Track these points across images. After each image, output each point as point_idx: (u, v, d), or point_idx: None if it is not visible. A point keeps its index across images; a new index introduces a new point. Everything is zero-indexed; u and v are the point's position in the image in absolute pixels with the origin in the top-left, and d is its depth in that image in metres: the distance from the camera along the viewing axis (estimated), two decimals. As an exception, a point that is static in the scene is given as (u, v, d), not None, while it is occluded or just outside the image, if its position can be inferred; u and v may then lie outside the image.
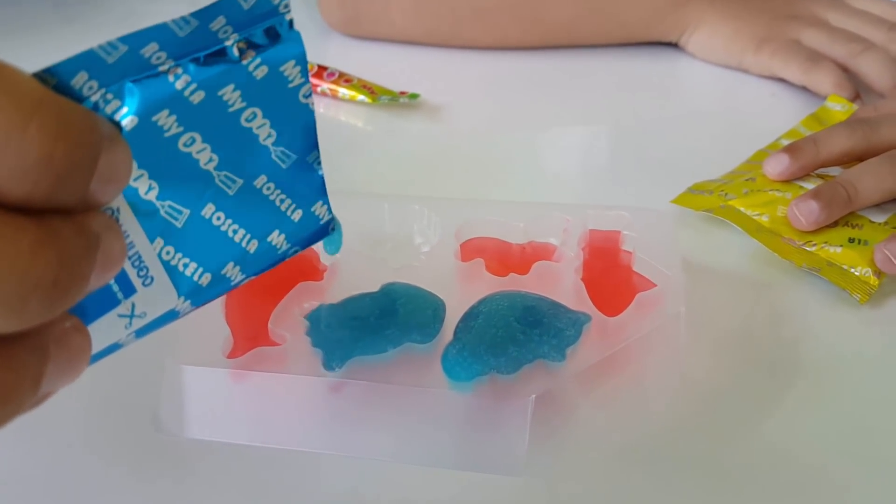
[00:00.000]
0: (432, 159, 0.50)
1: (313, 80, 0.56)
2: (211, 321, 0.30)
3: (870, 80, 0.53)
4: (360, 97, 0.55)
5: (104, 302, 0.19)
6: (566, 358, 0.28)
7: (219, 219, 0.21)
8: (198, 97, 0.19)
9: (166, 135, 0.19)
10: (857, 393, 0.32)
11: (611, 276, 0.34)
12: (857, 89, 0.53)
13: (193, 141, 0.19)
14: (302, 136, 0.22)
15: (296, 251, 0.23)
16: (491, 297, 0.30)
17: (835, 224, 0.39)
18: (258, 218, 0.22)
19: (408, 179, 0.48)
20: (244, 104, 0.20)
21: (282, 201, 0.22)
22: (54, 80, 0.17)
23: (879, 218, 0.39)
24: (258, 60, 0.20)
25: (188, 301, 0.21)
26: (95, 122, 0.16)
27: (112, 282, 0.19)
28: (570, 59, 0.61)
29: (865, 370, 0.33)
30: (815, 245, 0.38)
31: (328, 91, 0.56)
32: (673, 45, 0.62)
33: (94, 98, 0.17)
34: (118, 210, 0.19)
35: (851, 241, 0.38)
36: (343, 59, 0.59)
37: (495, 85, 0.59)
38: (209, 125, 0.19)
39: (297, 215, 0.23)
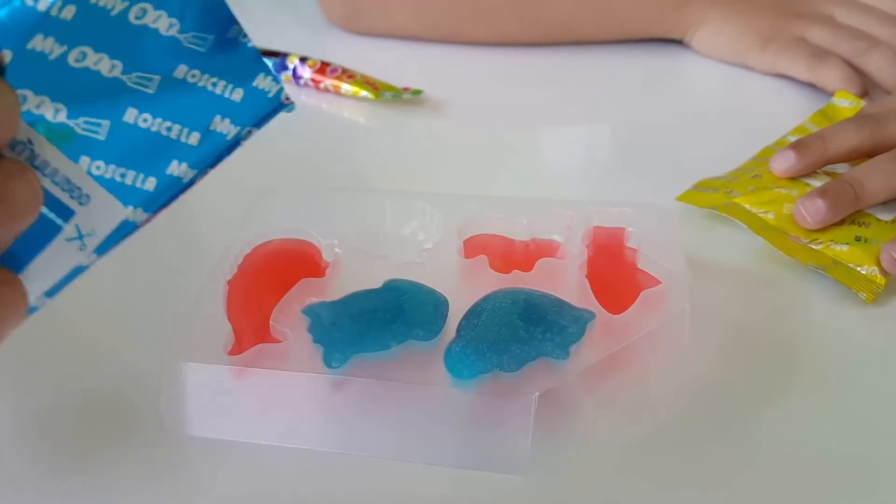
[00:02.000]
0: (435, 156, 0.50)
1: (316, 77, 0.56)
2: (212, 318, 0.30)
3: (877, 77, 0.53)
4: (363, 93, 0.54)
5: (42, 234, 0.19)
6: (570, 356, 0.28)
7: (145, 121, 0.20)
8: (69, 12, 0.18)
9: (51, 57, 0.18)
10: (862, 392, 0.32)
11: (615, 274, 0.33)
12: (866, 86, 0.52)
13: (85, 55, 0.19)
14: (210, 14, 0.20)
15: (249, 132, 0.22)
16: (494, 295, 0.30)
17: (841, 222, 0.38)
18: (191, 109, 0.21)
19: (410, 176, 0.47)
20: (126, 4, 0.19)
21: (213, 85, 0.21)
22: None
23: (886, 216, 0.39)
24: None
25: (140, 208, 0.21)
26: None
27: (45, 211, 0.19)
28: (574, 56, 0.61)
29: (871, 369, 0.33)
30: (821, 243, 0.38)
31: (331, 87, 0.56)
32: (677, 42, 0.62)
33: None
34: (30, 141, 0.19)
35: (858, 239, 0.37)
36: (346, 55, 0.58)
37: (500, 81, 0.59)
38: (95, 35, 0.19)
39: (237, 94, 0.21)
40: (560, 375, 0.28)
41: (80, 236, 0.20)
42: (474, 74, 0.60)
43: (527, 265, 0.33)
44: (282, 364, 0.28)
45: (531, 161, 0.49)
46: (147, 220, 0.21)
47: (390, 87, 0.55)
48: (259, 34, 0.19)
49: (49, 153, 0.19)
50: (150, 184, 0.21)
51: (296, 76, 0.57)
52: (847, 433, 0.30)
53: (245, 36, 0.21)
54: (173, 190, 0.21)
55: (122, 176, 0.20)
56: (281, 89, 0.22)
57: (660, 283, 0.32)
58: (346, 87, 0.55)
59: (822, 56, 0.54)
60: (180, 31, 0.20)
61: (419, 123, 0.53)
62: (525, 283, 0.31)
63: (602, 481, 0.28)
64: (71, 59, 0.19)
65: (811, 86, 0.55)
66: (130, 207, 0.21)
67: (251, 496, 0.27)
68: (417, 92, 0.54)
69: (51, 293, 0.21)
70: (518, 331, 0.28)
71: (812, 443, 0.29)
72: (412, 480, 0.28)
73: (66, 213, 0.20)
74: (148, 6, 0.19)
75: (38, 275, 0.20)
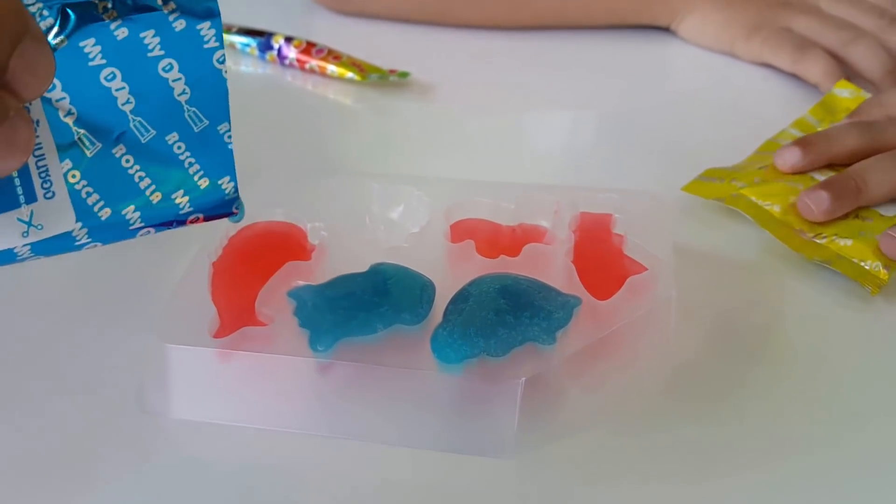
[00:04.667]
0: (422, 139, 0.50)
1: (301, 57, 0.56)
2: (197, 300, 0.30)
3: (861, 68, 0.53)
4: (349, 74, 0.54)
5: (5, 200, 0.21)
6: (556, 341, 0.28)
7: (127, 161, 0.23)
8: (122, 33, 0.21)
9: (90, 64, 0.21)
10: (837, 379, 0.32)
11: (602, 260, 0.33)
12: (848, 77, 0.53)
13: (114, 76, 0.21)
14: (214, 102, 0.23)
15: (197, 218, 0.25)
16: (481, 279, 0.30)
17: (845, 217, 0.38)
18: (165, 172, 0.23)
19: (397, 159, 0.47)
20: (162, 52, 0.22)
21: (190, 164, 0.24)
22: None
23: (890, 212, 0.39)
24: (177, 13, 0.21)
25: (85, 229, 0.23)
26: (20, 9, 0.18)
27: (17, 182, 0.21)
28: (562, 40, 0.61)
29: (852, 358, 0.33)
30: (825, 237, 0.38)
31: (316, 68, 0.55)
32: (664, 29, 0.62)
33: (32, 9, 0.19)
34: (37, 122, 0.21)
35: (862, 234, 0.37)
36: (332, 36, 0.58)
37: (487, 65, 0.59)
38: (129, 64, 0.21)
39: (203, 182, 0.24)
40: (546, 360, 0.28)
41: (30, 224, 0.22)
42: (463, 57, 0.59)
43: (513, 250, 0.33)
44: (267, 347, 0.28)
45: (518, 145, 0.49)
46: (86, 245, 0.23)
47: (377, 69, 0.54)
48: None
49: (45, 140, 0.21)
50: (105, 213, 0.23)
51: (281, 56, 0.56)
52: (828, 422, 0.30)
53: (230, 139, 0.24)
54: (119, 230, 0.23)
55: (88, 194, 0.22)
56: (236, 198, 0.25)
57: (646, 269, 0.32)
58: (331, 68, 0.55)
59: (805, 48, 0.54)
60: (187, 102, 0.23)
61: (406, 106, 0.53)
62: (512, 268, 0.31)
63: (587, 466, 0.28)
64: (102, 75, 0.21)
65: (796, 75, 0.55)
66: (79, 224, 0.22)
67: (235, 479, 0.27)
68: (404, 74, 0.54)
69: None
70: (505, 315, 0.28)
71: (798, 430, 0.29)
72: (398, 464, 0.28)
73: (31, 197, 0.21)
74: (175, 63, 0.22)
75: None
